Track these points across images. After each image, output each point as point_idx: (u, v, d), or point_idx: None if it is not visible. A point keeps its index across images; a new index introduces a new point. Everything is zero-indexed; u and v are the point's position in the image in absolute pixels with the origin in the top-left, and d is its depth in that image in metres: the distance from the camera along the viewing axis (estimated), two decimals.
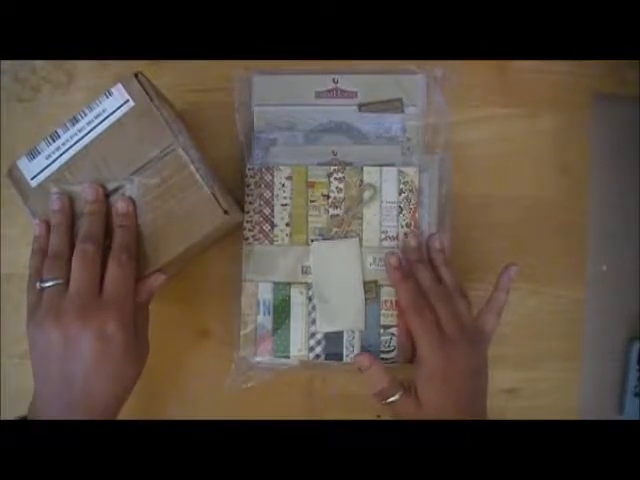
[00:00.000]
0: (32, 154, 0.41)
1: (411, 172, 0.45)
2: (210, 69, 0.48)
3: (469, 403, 0.41)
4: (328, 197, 0.46)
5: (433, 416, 0.40)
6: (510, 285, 0.43)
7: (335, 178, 0.46)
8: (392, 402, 0.41)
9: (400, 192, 0.45)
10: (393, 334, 0.45)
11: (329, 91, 0.48)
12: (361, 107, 0.48)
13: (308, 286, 0.46)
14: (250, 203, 0.46)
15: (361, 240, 0.45)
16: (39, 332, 0.36)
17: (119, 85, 0.40)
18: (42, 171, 0.40)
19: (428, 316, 0.41)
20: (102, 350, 0.36)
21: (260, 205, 0.46)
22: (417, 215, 0.45)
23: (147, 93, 0.39)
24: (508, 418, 0.44)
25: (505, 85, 0.49)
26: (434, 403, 0.40)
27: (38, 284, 0.38)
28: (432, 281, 0.43)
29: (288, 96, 0.48)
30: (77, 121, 0.40)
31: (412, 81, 0.48)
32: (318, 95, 0.48)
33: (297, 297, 0.46)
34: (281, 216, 0.46)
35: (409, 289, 0.42)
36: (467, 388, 0.41)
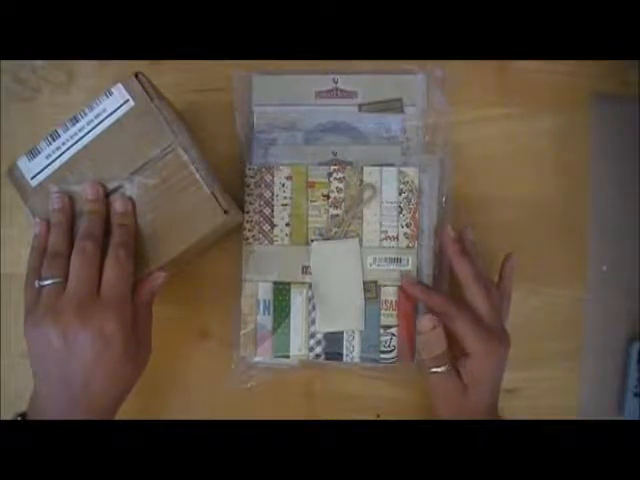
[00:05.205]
0: (32, 153, 0.41)
1: (411, 172, 0.45)
2: (210, 69, 0.48)
3: (497, 395, 0.42)
4: (328, 197, 0.46)
5: (474, 400, 0.41)
6: (513, 273, 0.45)
7: (335, 178, 0.46)
8: (441, 372, 0.41)
9: (400, 192, 0.45)
10: (393, 334, 0.45)
11: (329, 91, 0.48)
12: (361, 107, 0.48)
13: (308, 286, 0.46)
14: (250, 203, 0.46)
15: (361, 240, 0.45)
16: (37, 331, 0.36)
17: (119, 85, 0.40)
18: (42, 170, 0.40)
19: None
20: (101, 350, 0.36)
21: (260, 205, 0.46)
22: (417, 215, 0.45)
23: (147, 93, 0.39)
24: (508, 418, 0.44)
25: (505, 85, 0.49)
26: (480, 391, 0.41)
27: (37, 282, 0.38)
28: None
29: (288, 96, 0.48)
30: (77, 121, 0.40)
31: (412, 81, 0.48)
32: (318, 95, 0.48)
33: (297, 297, 0.46)
34: (281, 216, 0.46)
35: (468, 262, 0.42)
36: (499, 380, 0.42)
